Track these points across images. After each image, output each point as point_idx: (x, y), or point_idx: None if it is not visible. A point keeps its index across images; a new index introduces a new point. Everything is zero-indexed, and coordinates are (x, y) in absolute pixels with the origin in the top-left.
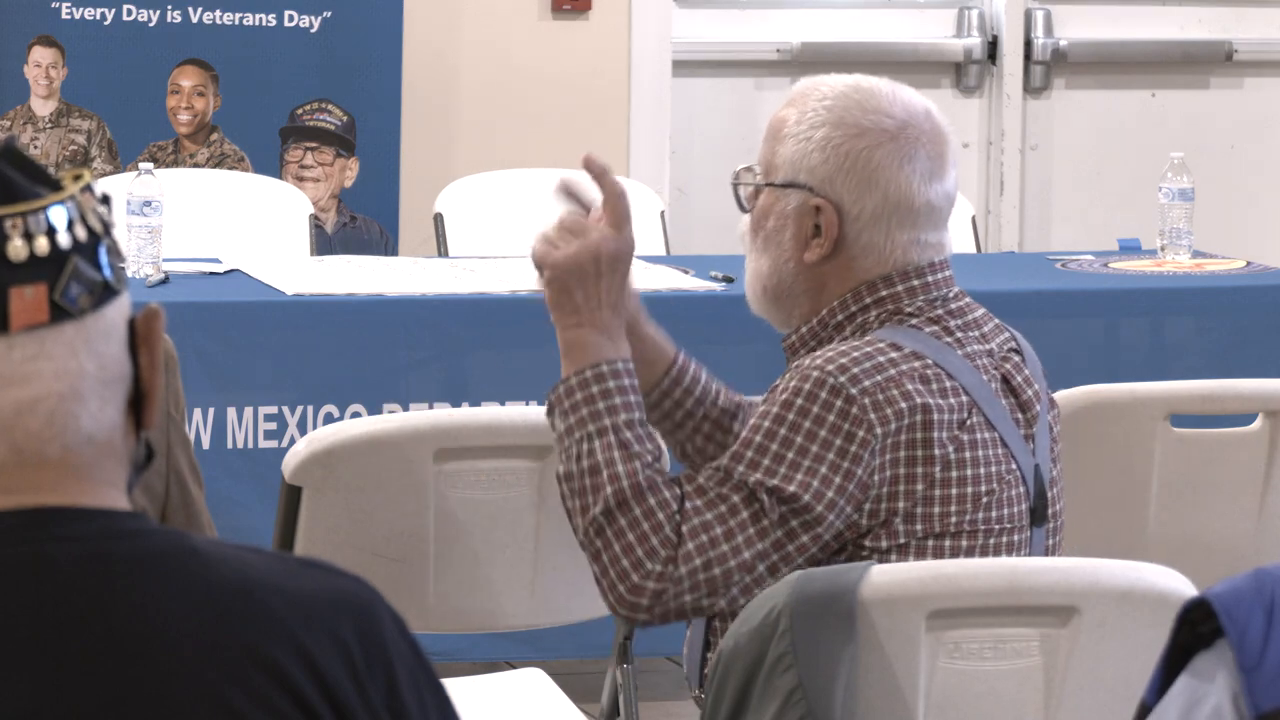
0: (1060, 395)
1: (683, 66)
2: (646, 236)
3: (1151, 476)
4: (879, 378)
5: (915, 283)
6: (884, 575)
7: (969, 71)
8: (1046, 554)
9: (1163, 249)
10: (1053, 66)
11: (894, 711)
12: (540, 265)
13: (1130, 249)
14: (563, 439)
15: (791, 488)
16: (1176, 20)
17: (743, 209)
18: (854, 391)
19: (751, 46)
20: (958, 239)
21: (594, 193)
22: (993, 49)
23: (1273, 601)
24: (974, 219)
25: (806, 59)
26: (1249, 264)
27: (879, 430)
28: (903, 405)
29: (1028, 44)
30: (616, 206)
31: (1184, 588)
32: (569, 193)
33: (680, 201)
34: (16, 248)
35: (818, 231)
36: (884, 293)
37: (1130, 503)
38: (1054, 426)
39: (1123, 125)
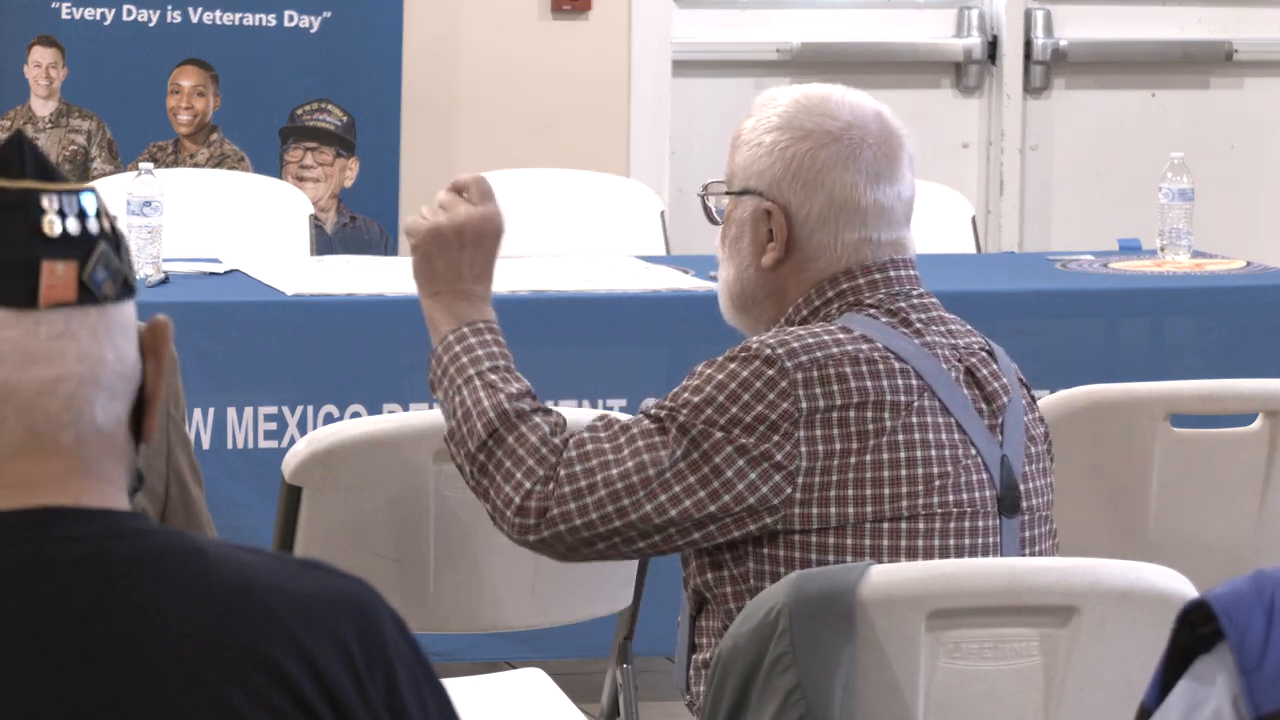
0: (1060, 395)
1: (683, 66)
2: (646, 236)
3: (1151, 476)
4: (818, 354)
5: (877, 276)
6: (883, 575)
7: (969, 71)
8: (1022, 546)
9: (1163, 249)
10: (1053, 66)
11: (893, 711)
12: (408, 234)
13: (1130, 249)
14: (441, 403)
15: (700, 424)
16: (1176, 20)
17: (712, 221)
18: (788, 365)
19: (751, 47)
20: (958, 239)
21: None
22: (993, 49)
23: (1273, 603)
24: (974, 219)
25: (806, 59)
26: (1249, 264)
27: (804, 405)
28: (835, 387)
29: (1028, 44)
30: (477, 186)
31: (1184, 588)
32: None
33: (680, 201)
34: (51, 222)
35: (771, 236)
36: (844, 285)
37: (1130, 503)
38: (1031, 429)
39: (1123, 125)
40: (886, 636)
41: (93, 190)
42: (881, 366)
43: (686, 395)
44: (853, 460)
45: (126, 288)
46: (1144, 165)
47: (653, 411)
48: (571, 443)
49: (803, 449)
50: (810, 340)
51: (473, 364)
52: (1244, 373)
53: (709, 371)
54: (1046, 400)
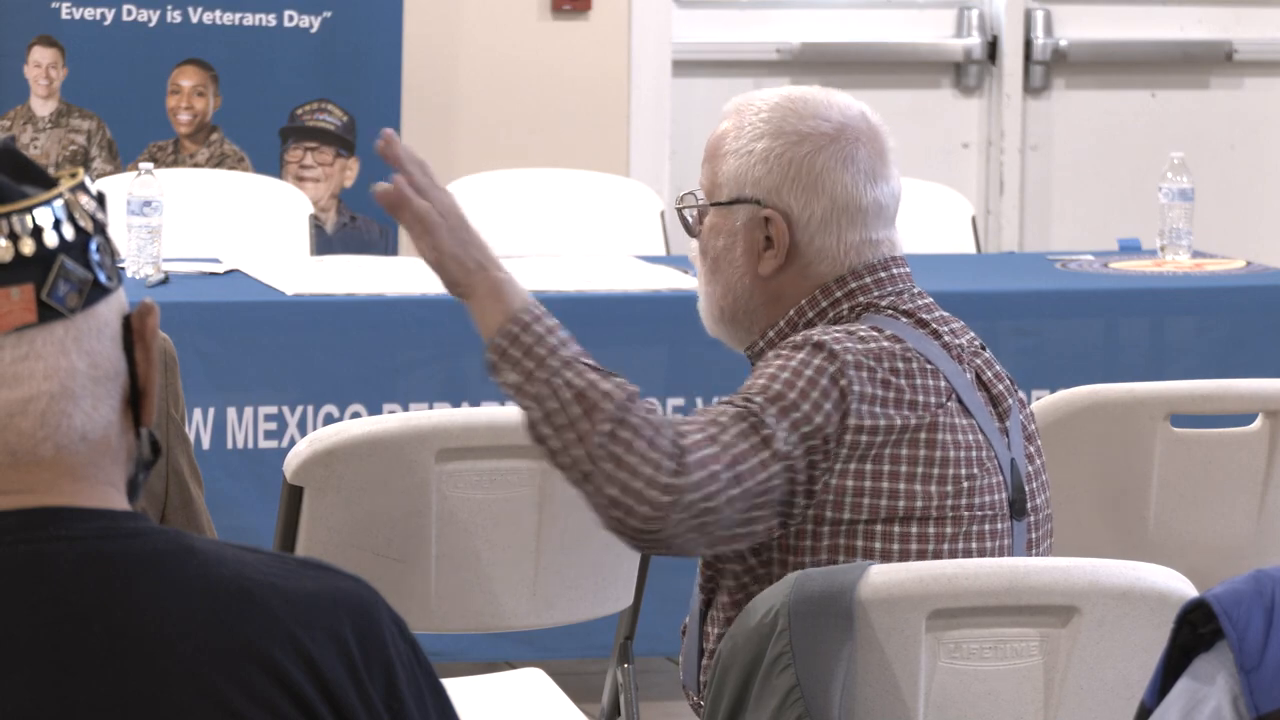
0: (1060, 395)
1: (683, 67)
2: (646, 236)
3: (1151, 476)
4: (861, 348)
5: (881, 275)
6: (883, 575)
7: (969, 71)
8: (1029, 548)
9: (1163, 249)
10: (1053, 66)
11: (893, 711)
12: (433, 216)
13: (1130, 249)
14: (523, 387)
15: (774, 390)
16: (1176, 20)
17: (690, 234)
18: (838, 349)
19: (751, 47)
20: (958, 239)
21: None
22: (993, 49)
23: (1272, 603)
24: (974, 219)
25: (806, 59)
26: (1249, 264)
27: (856, 389)
28: (879, 378)
29: (1028, 44)
30: (425, 167)
31: (1184, 588)
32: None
33: None
34: (1, 249)
35: (769, 243)
36: (853, 285)
37: (1130, 503)
38: (1027, 426)
39: (1123, 125)
40: (886, 636)
41: (55, 197)
42: (915, 366)
43: (749, 381)
44: (888, 453)
45: (99, 289)
46: (1144, 165)
47: (725, 400)
48: (685, 427)
49: (848, 436)
50: (852, 333)
51: (563, 345)
52: (1244, 373)
53: (761, 366)
54: (1046, 400)
